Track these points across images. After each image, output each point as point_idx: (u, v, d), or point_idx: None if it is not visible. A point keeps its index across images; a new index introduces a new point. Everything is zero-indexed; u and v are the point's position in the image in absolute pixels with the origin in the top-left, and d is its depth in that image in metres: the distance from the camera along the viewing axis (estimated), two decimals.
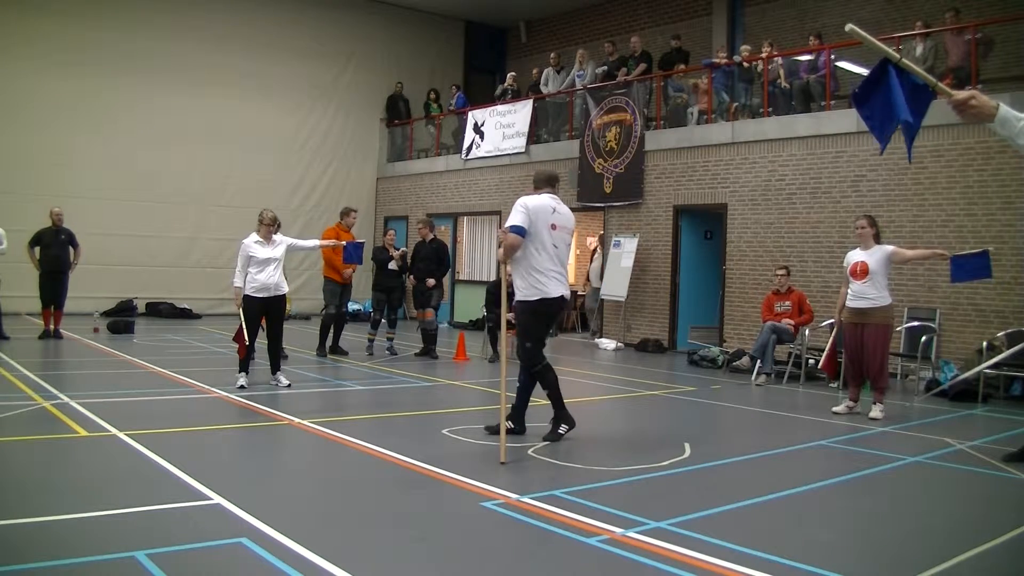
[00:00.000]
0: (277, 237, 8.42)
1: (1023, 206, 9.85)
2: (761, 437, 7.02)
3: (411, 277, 11.54)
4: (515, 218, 5.90)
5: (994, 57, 11.07)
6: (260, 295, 8.18)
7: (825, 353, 8.78)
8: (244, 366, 8.27)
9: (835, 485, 5.29)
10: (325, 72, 19.17)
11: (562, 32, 20.04)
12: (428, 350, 11.46)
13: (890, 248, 7.83)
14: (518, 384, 6.24)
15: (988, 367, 8.44)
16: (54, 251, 12.08)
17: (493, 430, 6.16)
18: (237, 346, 8.36)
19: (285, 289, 8.42)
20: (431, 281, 11.33)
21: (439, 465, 5.23)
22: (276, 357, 8.51)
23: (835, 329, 8.60)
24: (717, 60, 13.53)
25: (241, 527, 3.91)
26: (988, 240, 9.90)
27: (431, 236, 11.63)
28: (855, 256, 7.86)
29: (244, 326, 8.13)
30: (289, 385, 8.31)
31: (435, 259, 11.44)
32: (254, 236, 8.31)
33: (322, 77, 19.13)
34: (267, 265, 8.17)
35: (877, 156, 11.04)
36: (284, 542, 3.70)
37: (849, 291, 7.83)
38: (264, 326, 8.60)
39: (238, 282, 8.15)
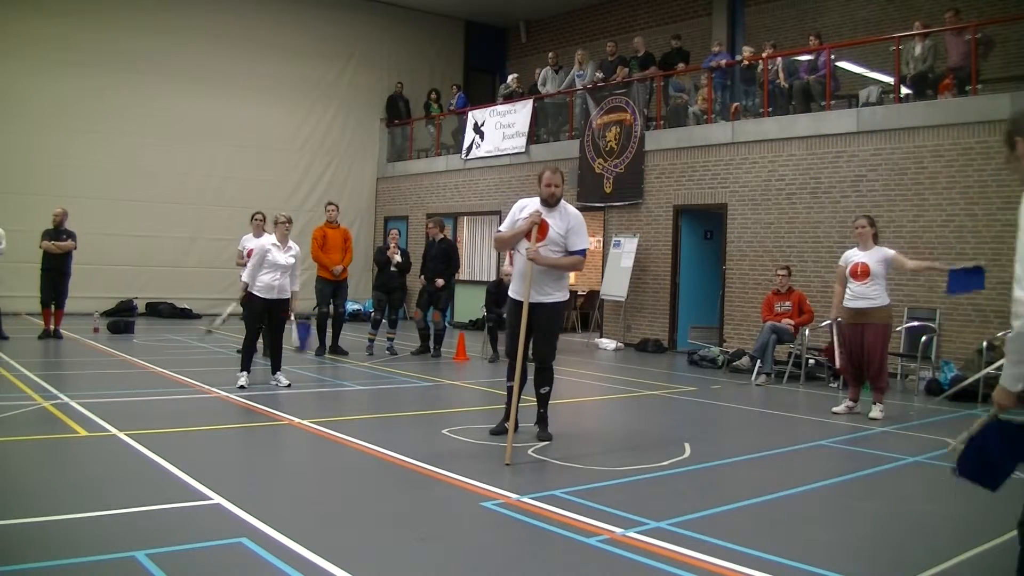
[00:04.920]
0: (293, 244, 8.51)
1: None
2: (761, 437, 7.01)
3: (421, 277, 11.53)
4: (587, 239, 6.16)
5: (994, 57, 11.06)
6: (263, 295, 8.25)
7: (837, 352, 8.61)
8: (246, 365, 8.30)
9: (835, 485, 5.29)
10: (325, 72, 19.17)
11: (562, 32, 20.04)
12: (425, 348, 11.48)
13: (891, 253, 7.79)
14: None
15: (992, 370, 8.43)
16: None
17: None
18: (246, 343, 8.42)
19: (288, 294, 8.47)
20: (439, 282, 11.30)
21: (439, 465, 5.23)
22: (276, 357, 8.53)
23: (834, 328, 8.56)
24: (716, 61, 13.51)
25: (241, 527, 3.91)
26: (988, 240, 9.91)
27: (440, 236, 11.63)
28: (854, 256, 7.83)
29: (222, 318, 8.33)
30: (289, 385, 8.32)
31: (444, 259, 11.42)
32: (271, 238, 8.43)
33: (322, 77, 19.12)
34: (276, 269, 8.26)
35: (877, 156, 11.05)
36: (284, 542, 3.70)
37: (848, 291, 7.81)
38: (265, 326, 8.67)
39: (246, 276, 8.38)
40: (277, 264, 8.23)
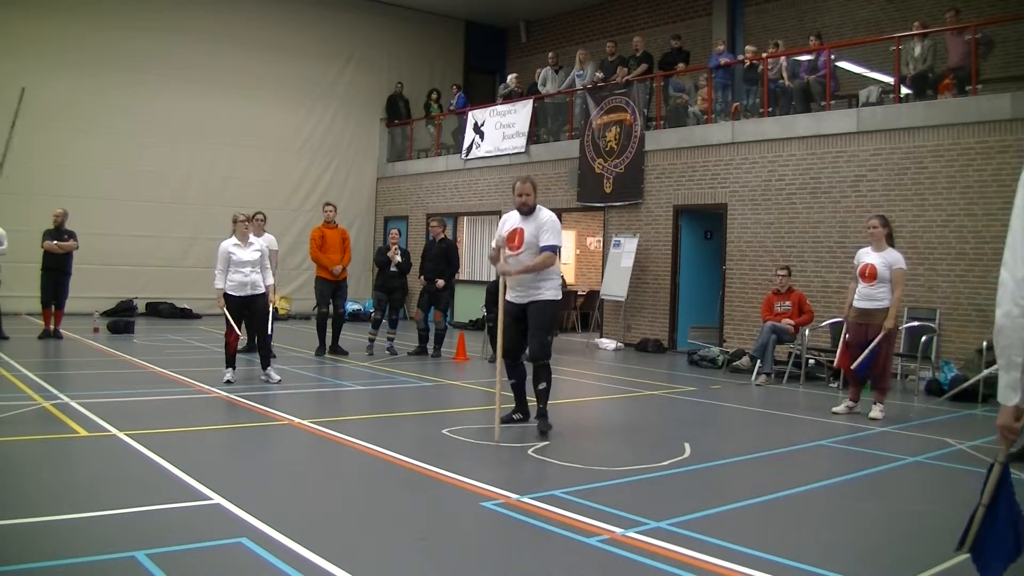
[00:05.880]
0: (255, 240, 8.70)
1: None
2: (761, 437, 7.01)
3: (421, 277, 11.54)
4: (558, 237, 6.42)
5: (994, 57, 11.06)
6: (236, 293, 8.46)
7: (840, 351, 8.62)
8: (231, 361, 8.49)
9: (835, 485, 5.29)
10: (325, 72, 19.15)
11: (562, 32, 20.03)
12: (422, 349, 11.49)
13: (899, 267, 7.68)
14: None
15: (992, 371, 8.42)
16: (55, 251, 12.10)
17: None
18: (227, 343, 8.60)
19: (262, 289, 8.60)
20: (440, 282, 11.31)
21: (439, 465, 5.23)
22: (265, 354, 8.62)
23: (845, 327, 8.50)
24: (720, 60, 13.51)
25: (241, 527, 3.91)
26: (988, 240, 9.90)
27: (442, 235, 11.64)
28: (865, 257, 7.80)
29: (229, 322, 8.53)
30: (279, 381, 8.41)
31: (444, 259, 11.42)
32: (232, 239, 8.62)
33: (322, 77, 19.11)
34: (242, 266, 8.45)
35: (877, 156, 11.05)
36: (284, 542, 3.70)
37: (856, 291, 7.81)
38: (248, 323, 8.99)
39: (219, 284, 8.53)
40: (243, 262, 8.45)
